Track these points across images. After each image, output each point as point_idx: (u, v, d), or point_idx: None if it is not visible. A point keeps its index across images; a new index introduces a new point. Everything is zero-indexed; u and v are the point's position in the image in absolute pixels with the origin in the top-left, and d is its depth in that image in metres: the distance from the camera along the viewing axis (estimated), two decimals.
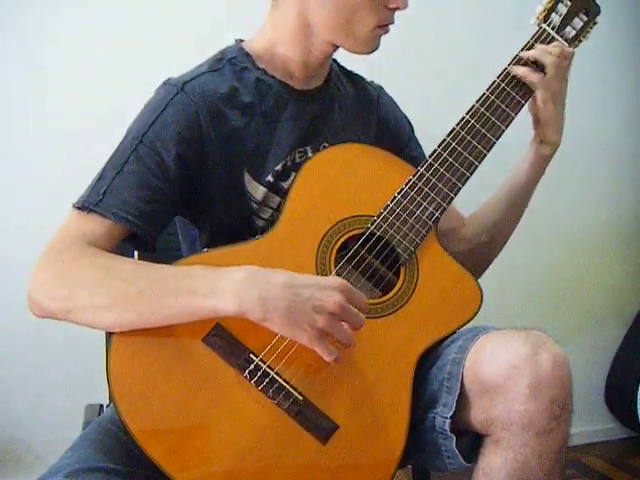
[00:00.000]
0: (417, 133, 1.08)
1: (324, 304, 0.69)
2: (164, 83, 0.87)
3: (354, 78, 1.02)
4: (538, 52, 0.88)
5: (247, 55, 0.91)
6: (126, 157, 0.81)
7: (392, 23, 0.88)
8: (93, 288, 0.72)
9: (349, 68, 1.02)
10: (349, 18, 0.84)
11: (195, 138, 0.83)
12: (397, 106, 1.06)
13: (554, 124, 0.91)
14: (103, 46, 1.39)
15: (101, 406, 0.98)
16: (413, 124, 1.07)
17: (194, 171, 0.84)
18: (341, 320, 0.71)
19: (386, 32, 0.88)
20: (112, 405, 0.72)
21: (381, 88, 1.05)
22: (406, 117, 1.06)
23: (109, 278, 0.72)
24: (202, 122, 0.84)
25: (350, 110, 0.98)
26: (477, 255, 0.98)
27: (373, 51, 0.89)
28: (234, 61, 0.90)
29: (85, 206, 0.78)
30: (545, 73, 0.87)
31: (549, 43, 0.91)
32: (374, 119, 1.01)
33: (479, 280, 0.86)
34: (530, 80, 0.88)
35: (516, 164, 0.98)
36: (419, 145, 1.05)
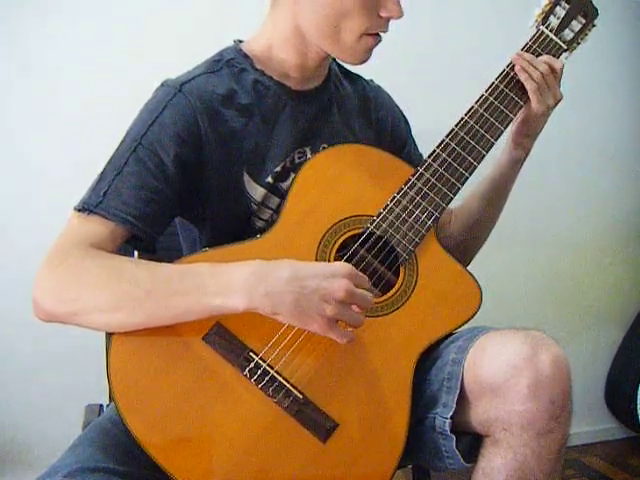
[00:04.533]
0: (416, 133, 1.08)
1: (331, 292, 0.70)
2: (162, 84, 0.87)
3: (353, 78, 1.02)
4: (528, 67, 0.88)
5: (245, 56, 0.91)
6: (125, 159, 0.81)
7: (384, 32, 0.86)
8: (99, 290, 0.72)
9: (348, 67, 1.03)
10: (338, 25, 0.83)
11: (193, 139, 0.84)
12: (396, 105, 1.06)
13: (536, 134, 0.95)
14: (102, 47, 1.39)
15: (101, 406, 0.98)
16: (413, 125, 1.07)
17: (193, 172, 0.84)
18: (350, 304, 0.71)
19: (377, 42, 0.86)
20: (112, 404, 0.73)
21: (379, 87, 1.05)
22: (404, 116, 1.06)
23: (114, 280, 0.72)
24: (200, 123, 0.84)
25: (349, 110, 0.98)
26: (462, 250, 1.01)
27: (363, 62, 0.88)
28: (232, 62, 0.90)
29: (85, 208, 0.79)
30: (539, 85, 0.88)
31: (547, 45, 0.91)
32: (373, 119, 1.01)
33: (479, 280, 0.86)
34: (529, 89, 0.88)
35: (492, 168, 1.00)
36: (416, 146, 1.06)
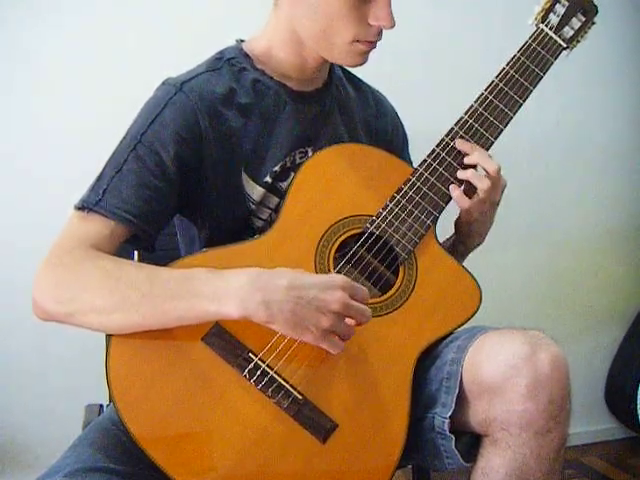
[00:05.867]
0: (416, 133, 1.08)
1: (328, 304, 0.69)
2: (162, 83, 0.87)
3: (357, 83, 1.02)
4: (473, 176, 0.86)
5: (246, 56, 0.91)
6: (125, 157, 0.81)
7: (377, 40, 0.84)
8: (97, 292, 0.72)
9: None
10: (326, 29, 0.83)
11: (194, 138, 0.84)
12: (398, 118, 1.05)
13: (473, 234, 0.94)
14: (103, 46, 1.39)
15: (101, 406, 0.98)
16: (412, 124, 1.07)
17: (192, 171, 0.84)
18: (346, 316, 0.71)
19: (371, 48, 0.85)
20: (112, 405, 0.73)
21: (384, 97, 1.05)
22: (404, 130, 1.06)
23: (112, 281, 0.72)
24: (200, 122, 0.84)
25: (351, 115, 0.98)
26: None
27: (356, 65, 0.88)
28: (233, 61, 0.90)
29: (85, 206, 0.79)
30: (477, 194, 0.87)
31: (547, 44, 0.91)
32: (373, 127, 1.01)
33: (478, 279, 0.86)
34: (459, 201, 0.87)
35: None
36: (411, 162, 1.05)
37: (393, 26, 0.82)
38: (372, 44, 0.85)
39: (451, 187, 0.87)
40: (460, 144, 0.88)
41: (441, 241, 0.96)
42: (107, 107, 1.36)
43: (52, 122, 1.38)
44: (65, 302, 0.73)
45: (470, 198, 0.87)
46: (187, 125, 0.83)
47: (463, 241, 0.96)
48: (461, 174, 0.87)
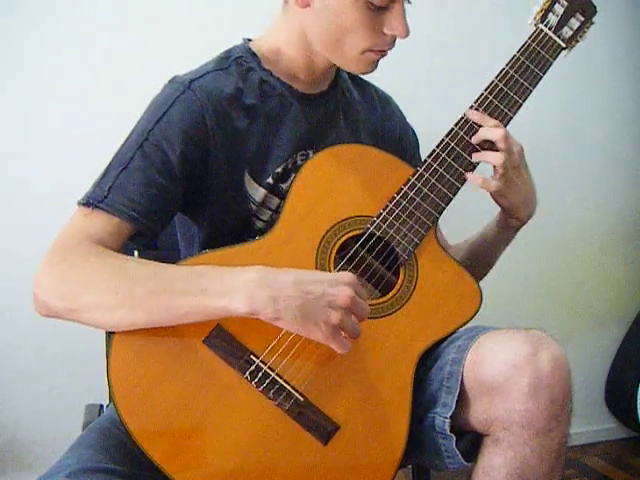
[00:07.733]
0: (417, 133, 1.08)
1: (337, 299, 0.69)
2: (170, 81, 0.87)
3: (363, 86, 1.02)
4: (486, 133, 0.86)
5: (254, 55, 0.91)
6: (131, 154, 0.81)
7: (389, 49, 0.85)
8: (101, 287, 0.72)
9: None
10: (339, 39, 0.83)
11: (200, 137, 0.83)
12: (406, 121, 1.05)
13: (517, 206, 0.91)
14: (105, 46, 1.39)
15: (101, 406, 0.98)
16: (413, 124, 1.07)
17: (197, 169, 0.84)
18: (352, 313, 0.71)
19: (381, 57, 0.86)
20: (112, 405, 0.73)
21: (389, 98, 1.05)
22: (414, 134, 1.06)
23: (117, 277, 0.72)
24: (207, 121, 0.84)
25: (355, 118, 0.98)
26: None
27: (366, 73, 0.88)
28: (240, 61, 0.90)
29: (90, 202, 0.78)
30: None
31: (546, 44, 0.91)
32: (379, 129, 1.00)
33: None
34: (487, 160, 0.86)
35: (488, 223, 0.98)
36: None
37: (408, 35, 0.83)
38: (384, 53, 0.85)
39: (470, 176, 0.86)
40: (471, 115, 0.87)
41: (480, 228, 0.95)
42: (108, 110, 1.36)
43: (53, 125, 1.38)
44: (68, 298, 0.72)
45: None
46: (194, 124, 0.83)
47: (512, 216, 0.92)
48: (475, 157, 0.86)
